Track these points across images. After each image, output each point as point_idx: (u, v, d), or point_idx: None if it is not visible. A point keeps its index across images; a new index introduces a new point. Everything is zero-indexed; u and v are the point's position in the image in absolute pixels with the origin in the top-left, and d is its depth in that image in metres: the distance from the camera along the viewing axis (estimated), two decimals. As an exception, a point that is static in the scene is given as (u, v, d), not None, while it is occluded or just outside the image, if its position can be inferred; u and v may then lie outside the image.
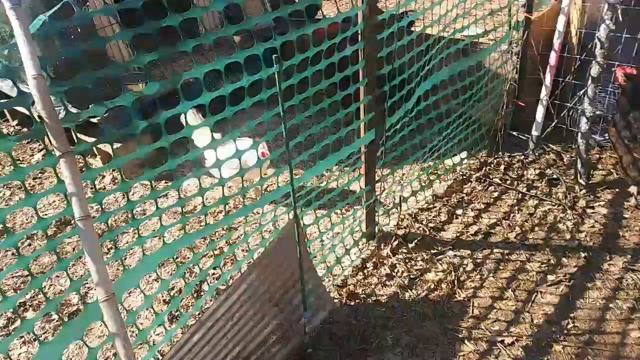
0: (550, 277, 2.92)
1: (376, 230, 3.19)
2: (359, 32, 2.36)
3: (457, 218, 3.43)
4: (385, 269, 3.02)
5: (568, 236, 3.20)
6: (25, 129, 4.78)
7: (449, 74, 3.31)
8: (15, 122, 4.81)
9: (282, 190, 2.44)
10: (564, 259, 3.04)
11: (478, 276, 2.96)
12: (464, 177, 3.80)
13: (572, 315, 2.69)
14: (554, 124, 3.82)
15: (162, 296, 2.94)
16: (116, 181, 4.03)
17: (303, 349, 2.59)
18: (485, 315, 2.73)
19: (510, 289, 2.86)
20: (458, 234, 3.27)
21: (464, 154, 3.89)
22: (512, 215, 3.42)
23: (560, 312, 2.71)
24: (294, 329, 2.59)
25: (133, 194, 3.84)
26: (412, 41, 2.75)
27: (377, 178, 2.98)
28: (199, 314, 2.45)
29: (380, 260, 3.08)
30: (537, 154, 3.95)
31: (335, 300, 2.84)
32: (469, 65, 3.46)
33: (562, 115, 3.80)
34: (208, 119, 1.92)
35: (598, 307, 2.72)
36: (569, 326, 2.63)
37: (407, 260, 3.07)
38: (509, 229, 3.29)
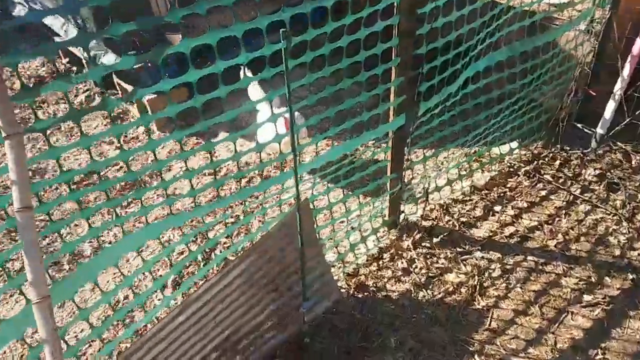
0: (586, 297, 2.60)
1: (400, 219, 2.97)
2: (395, 4, 2.05)
3: (493, 215, 3.12)
4: (402, 263, 2.82)
5: (617, 252, 2.83)
6: (74, 68, 4.83)
7: (507, 54, 2.91)
8: (67, 59, 4.87)
9: (306, 167, 2.28)
10: (607, 278, 2.70)
11: (504, 284, 2.69)
12: (511, 169, 3.44)
13: (603, 345, 2.40)
14: (627, 121, 3.33)
15: (169, 259, 2.91)
16: (148, 133, 4.01)
17: (300, 338, 2.49)
18: (504, 329, 2.49)
19: (537, 304, 2.59)
20: (491, 234, 2.98)
21: (514, 144, 3.51)
22: (557, 219, 3.06)
23: (591, 340, 2.42)
24: (293, 316, 2.48)
25: (162, 148, 3.80)
26: (463, 17, 2.39)
27: (405, 165, 2.72)
28: (193, 290, 2.38)
29: (399, 252, 2.87)
30: (601, 151, 3.49)
31: (343, 290, 2.69)
32: (534, 46, 3.03)
33: (638, 113, 3.29)
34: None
35: (637, 340, 2.40)
36: (597, 357, 2.35)
37: (428, 256, 2.85)
38: (550, 235, 2.96)
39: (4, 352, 2.51)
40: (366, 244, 2.85)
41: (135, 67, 3.85)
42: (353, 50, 2.04)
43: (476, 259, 2.83)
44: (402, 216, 2.97)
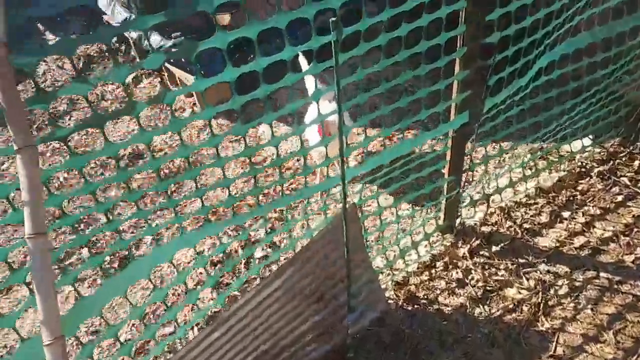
0: (670, 325, 2.28)
1: (456, 224, 2.71)
2: (463, -15, 1.77)
3: (561, 222, 2.79)
4: (457, 273, 2.57)
5: None
6: (122, 47, 4.75)
7: (587, 40, 2.54)
8: (114, 39, 4.80)
9: (354, 172, 2.06)
10: (696, 302, 2.36)
11: (572, 304, 2.40)
12: (582, 169, 3.08)
13: (690, 382, 2.09)
14: None
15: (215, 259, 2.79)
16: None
17: (344, 351, 2.31)
18: (571, 357, 2.21)
19: (611, 329, 2.28)
20: (558, 244, 2.67)
21: (587, 140, 3.13)
22: (635, 230, 2.71)
23: (675, 375, 2.12)
24: (337, 327, 2.30)
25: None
26: (541, -2, 2.07)
27: (465, 167, 2.45)
28: (228, 304, 2.24)
29: (454, 261, 2.62)
30: (690, 152, 3.07)
31: (390, 301, 2.48)
32: (619, 31, 2.64)
33: None
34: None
35: None
36: (683, 397, 2.04)
37: (486, 267, 2.58)
38: (627, 248, 2.62)
39: None
40: (417, 250, 2.62)
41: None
42: (411, 40, 1.77)
43: (540, 273, 2.53)
44: (458, 220, 2.70)
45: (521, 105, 2.48)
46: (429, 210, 2.60)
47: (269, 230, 2.84)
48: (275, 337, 2.14)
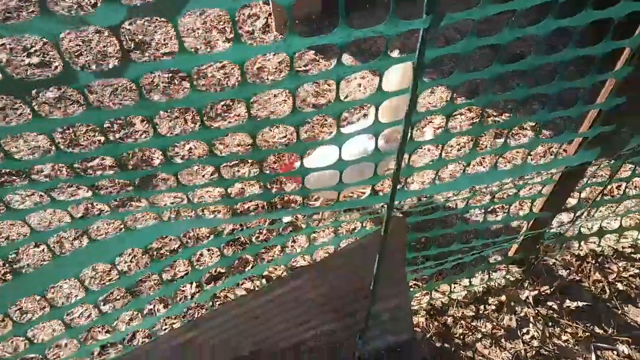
0: None
1: (529, 258, 2.16)
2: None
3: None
4: (511, 320, 2.07)
5: None
6: None
7: None
8: None
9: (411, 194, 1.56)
10: None
11: (645, 409, 1.88)
12: None
13: None
14: None
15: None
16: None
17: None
18: None
19: None
20: (655, 323, 2.08)
21: None
22: None
23: None
24: (346, 344, 1.95)
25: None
26: None
27: (568, 206, 1.85)
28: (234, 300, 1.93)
29: (512, 303, 2.11)
30: None
31: (417, 329, 2.06)
32: None
33: None
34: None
35: None
36: None
37: (550, 324, 2.06)
38: None
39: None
40: (470, 276, 2.13)
41: None
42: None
43: (618, 355, 1.99)
44: (533, 255, 2.15)
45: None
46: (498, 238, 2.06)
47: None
48: (275, 337, 1.84)
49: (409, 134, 1.13)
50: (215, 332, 1.70)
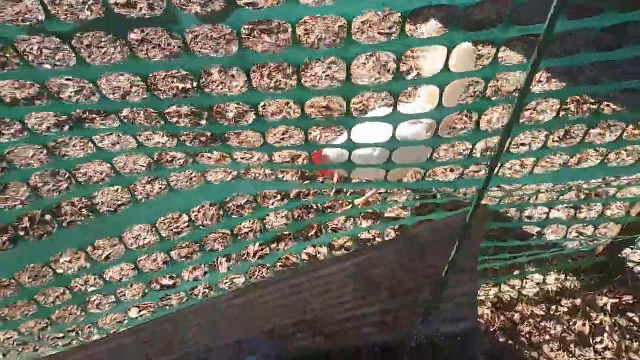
0: None
1: (614, 261, 1.98)
2: None
3: None
4: (584, 326, 1.93)
5: None
6: None
7: None
8: None
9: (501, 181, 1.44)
10: None
11: None
12: None
13: None
14: None
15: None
16: None
17: (400, 352, 1.93)
18: None
19: None
20: None
21: None
22: None
23: None
24: (405, 322, 1.90)
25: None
26: None
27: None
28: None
29: (588, 309, 1.96)
30: None
31: (481, 320, 1.97)
32: None
33: None
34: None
35: None
36: None
37: (627, 336, 1.90)
38: None
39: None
40: (545, 274, 1.99)
41: None
42: None
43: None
44: (620, 257, 1.98)
45: None
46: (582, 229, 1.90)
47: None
48: (331, 310, 1.81)
49: (519, 113, 1.01)
50: (279, 296, 1.69)
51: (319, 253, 2.19)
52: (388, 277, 1.73)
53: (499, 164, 1.12)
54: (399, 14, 1.71)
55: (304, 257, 2.18)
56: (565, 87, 2.68)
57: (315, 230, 2.25)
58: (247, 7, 3.20)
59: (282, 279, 1.63)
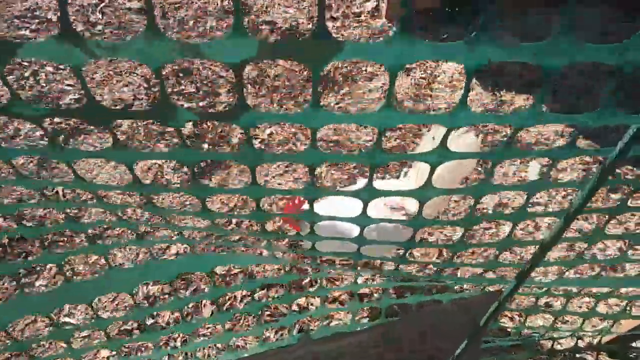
0: None
1: (628, 353, 1.85)
2: None
3: None
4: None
5: None
6: None
7: None
8: None
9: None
10: None
11: None
12: None
13: None
14: None
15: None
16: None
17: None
18: None
19: None
20: None
21: None
22: None
23: None
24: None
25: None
26: None
27: None
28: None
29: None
30: None
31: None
32: None
33: None
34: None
35: None
36: None
37: None
38: None
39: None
40: (552, 356, 1.85)
41: None
42: None
43: None
44: (632, 350, 1.84)
45: None
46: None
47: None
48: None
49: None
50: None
51: (312, 304, 2.05)
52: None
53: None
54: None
55: (294, 307, 2.04)
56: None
57: (309, 279, 2.12)
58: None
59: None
